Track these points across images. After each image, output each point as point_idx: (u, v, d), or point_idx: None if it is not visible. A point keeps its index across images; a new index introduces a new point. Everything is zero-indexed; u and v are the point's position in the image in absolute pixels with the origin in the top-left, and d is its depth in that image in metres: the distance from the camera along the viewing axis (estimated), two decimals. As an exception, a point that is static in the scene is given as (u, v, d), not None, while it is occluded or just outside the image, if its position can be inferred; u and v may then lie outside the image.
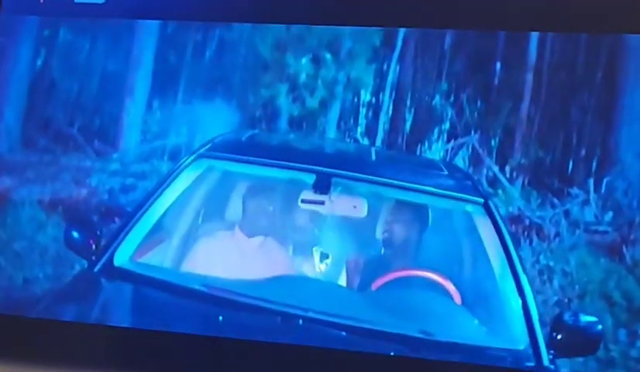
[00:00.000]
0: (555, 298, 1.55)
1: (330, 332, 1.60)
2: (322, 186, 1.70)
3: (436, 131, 1.67)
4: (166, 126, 1.77)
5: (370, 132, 1.71)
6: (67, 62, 1.82)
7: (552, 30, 1.61)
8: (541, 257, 1.59)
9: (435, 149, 1.68)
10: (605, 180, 1.57)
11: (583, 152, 1.58)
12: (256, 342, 1.60)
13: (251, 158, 1.74)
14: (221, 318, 1.63)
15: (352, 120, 1.72)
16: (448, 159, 1.69)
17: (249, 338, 1.62)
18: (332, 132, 1.73)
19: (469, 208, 1.65)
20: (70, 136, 1.78)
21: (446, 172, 1.70)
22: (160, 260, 1.73)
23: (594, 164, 1.58)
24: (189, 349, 1.63)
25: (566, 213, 1.59)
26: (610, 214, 1.56)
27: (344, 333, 1.59)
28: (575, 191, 1.57)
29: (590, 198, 1.57)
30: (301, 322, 1.61)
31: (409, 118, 1.68)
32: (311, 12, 1.71)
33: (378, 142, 1.71)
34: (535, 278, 1.58)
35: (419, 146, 1.68)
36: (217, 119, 1.76)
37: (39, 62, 1.83)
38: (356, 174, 1.70)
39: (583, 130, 1.59)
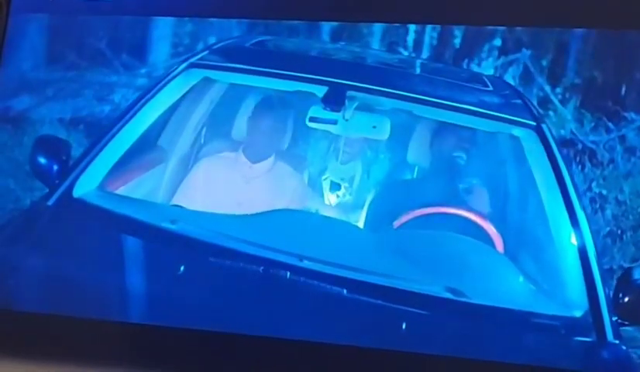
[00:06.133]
0: (607, 229, 1.43)
1: (326, 289, 1.34)
2: (333, 100, 1.47)
3: (486, 47, 1.54)
4: (198, 38, 1.59)
5: (417, 46, 1.55)
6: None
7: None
8: (594, 185, 1.46)
9: (485, 67, 1.54)
10: (664, 106, 1.47)
11: (638, 74, 1.47)
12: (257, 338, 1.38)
13: (251, 67, 1.52)
14: (182, 268, 1.39)
15: (398, 33, 1.55)
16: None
17: (215, 293, 1.36)
18: (375, 46, 1.56)
19: (517, 131, 1.47)
20: (97, 50, 1.62)
21: (491, 87, 1.50)
22: (150, 186, 1.52)
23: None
24: (193, 346, 1.43)
25: (622, 139, 1.45)
26: (668, 142, 1.47)
27: (345, 291, 1.34)
28: (631, 115, 1.47)
29: (647, 124, 1.47)
30: (288, 274, 1.35)
31: (458, 34, 1.55)
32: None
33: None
34: (586, 207, 1.43)
35: (467, 63, 1.55)
36: (252, 30, 1.59)
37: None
38: (375, 87, 1.48)
39: (638, 50, 1.48)
